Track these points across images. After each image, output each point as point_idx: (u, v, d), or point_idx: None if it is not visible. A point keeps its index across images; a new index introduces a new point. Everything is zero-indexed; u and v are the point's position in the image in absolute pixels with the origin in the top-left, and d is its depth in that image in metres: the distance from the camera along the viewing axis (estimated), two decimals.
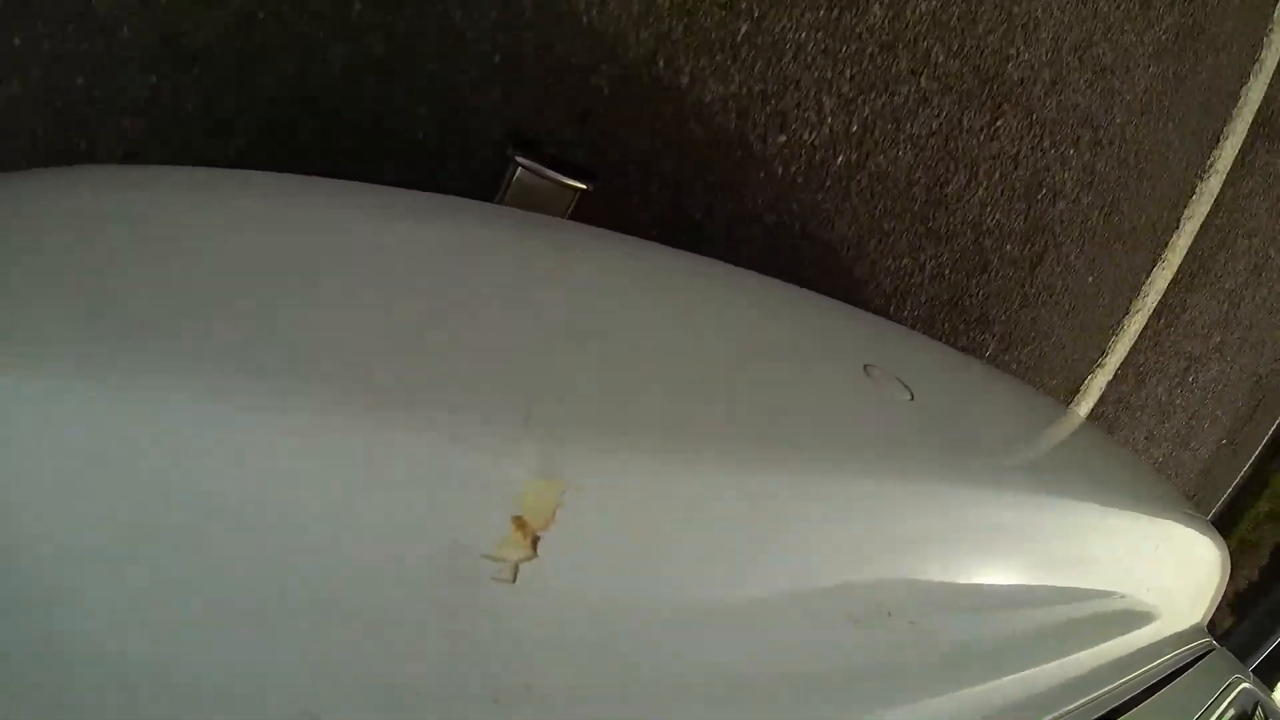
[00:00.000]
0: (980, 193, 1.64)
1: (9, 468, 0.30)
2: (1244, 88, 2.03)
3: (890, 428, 0.57)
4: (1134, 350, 2.20)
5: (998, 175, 1.64)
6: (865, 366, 0.62)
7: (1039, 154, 1.68)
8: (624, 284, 0.56)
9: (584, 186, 0.96)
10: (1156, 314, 2.19)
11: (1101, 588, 0.71)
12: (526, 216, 0.63)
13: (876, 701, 0.47)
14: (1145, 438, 2.52)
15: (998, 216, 1.70)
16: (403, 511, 0.34)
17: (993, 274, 1.76)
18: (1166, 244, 2.10)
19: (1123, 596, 0.73)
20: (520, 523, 0.35)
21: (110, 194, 0.44)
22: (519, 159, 0.93)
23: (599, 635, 0.38)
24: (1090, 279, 1.95)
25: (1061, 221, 1.80)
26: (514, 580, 0.35)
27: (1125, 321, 2.13)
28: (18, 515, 0.30)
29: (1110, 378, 2.20)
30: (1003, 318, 1.83)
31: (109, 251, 0.38)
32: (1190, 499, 2.72)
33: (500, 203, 0.95)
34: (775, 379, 0.55)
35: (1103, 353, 2.14)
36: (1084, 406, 2.17)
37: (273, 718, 0.32)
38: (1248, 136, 2.10)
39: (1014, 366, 1.93)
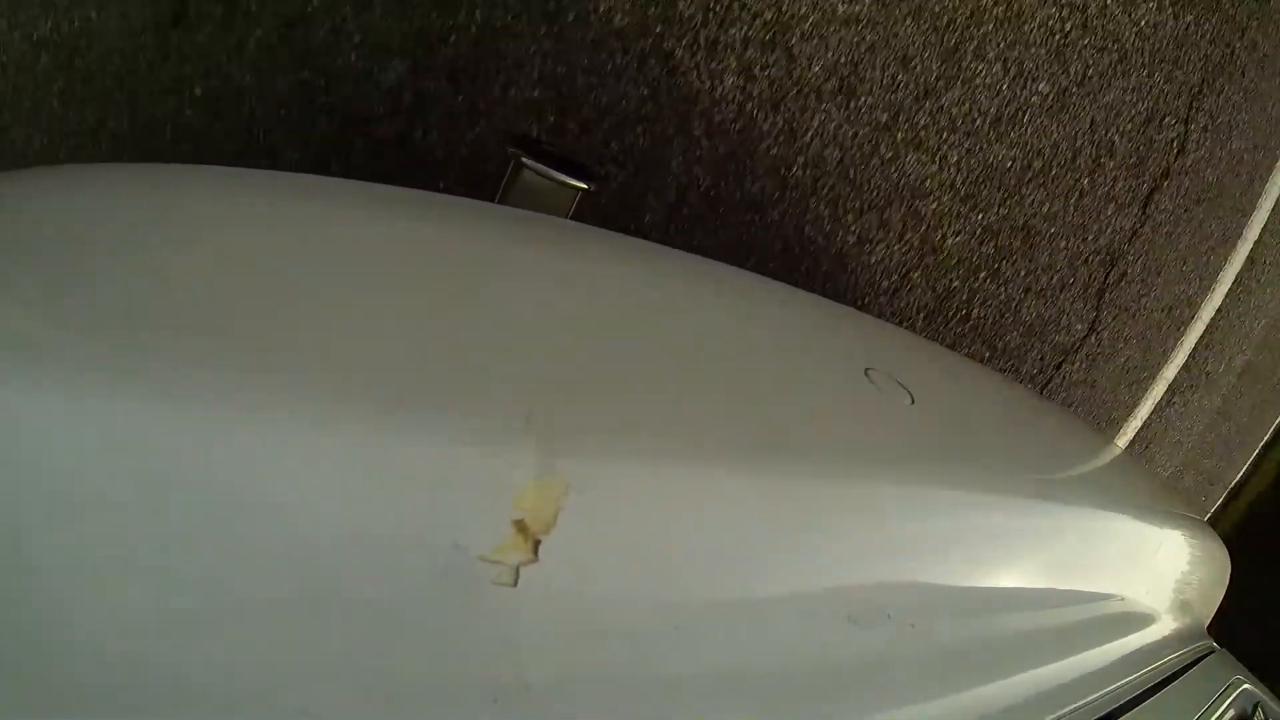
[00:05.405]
0: None
1: (8, 467, 0.30)
2: None
3: (891, 431, 0.57)
4: None
5: None
6: (866, 370, 0.62)
7: None
8: (626, 285, 0.56)
9: (585, 186, 0.95)
10: None
11: (1101, 590, 0.71)
12: (528, 216, 0.63)
13: (875, 703, 0.47)
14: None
15: None
16: (402, 514, 0.34)
17: None
18: None
19: (1122, 599, 0.73)
20: (521, 526, 0.35)
21: (112, 193, 0.44)
22: (522, 158, 0.92)
23: (598, 636, 0.38)
24: None
25: None
26: (515, 584, 0.35)
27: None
28: (17, 514, 0.30)
29: None
30: None
31: (109, 251, 0.37)
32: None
33: (500, 202, 0.94)
34: (777, 381, 0.55)
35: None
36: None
37: (271, 717, 0.32)
38: None
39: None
